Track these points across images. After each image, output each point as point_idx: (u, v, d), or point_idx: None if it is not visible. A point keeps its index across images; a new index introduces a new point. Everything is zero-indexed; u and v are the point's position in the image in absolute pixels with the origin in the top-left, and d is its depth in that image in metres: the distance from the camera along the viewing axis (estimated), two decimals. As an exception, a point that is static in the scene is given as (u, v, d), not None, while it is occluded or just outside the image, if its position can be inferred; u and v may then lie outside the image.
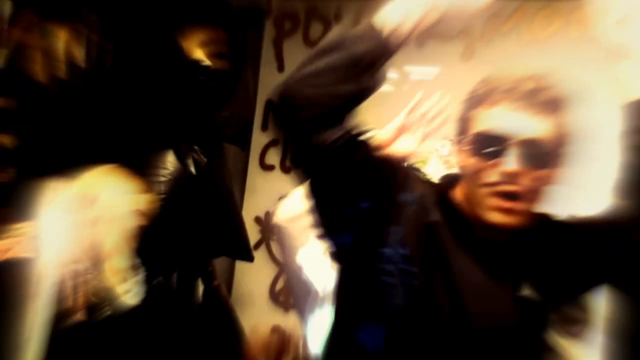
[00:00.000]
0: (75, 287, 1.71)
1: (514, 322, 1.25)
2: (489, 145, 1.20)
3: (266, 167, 3.32)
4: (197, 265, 2.64)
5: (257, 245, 3.19)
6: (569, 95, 1.23)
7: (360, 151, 1.26)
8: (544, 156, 1.19)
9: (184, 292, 2.55)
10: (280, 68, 3.37)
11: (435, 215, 1.28)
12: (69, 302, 1.69)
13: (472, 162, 1.24)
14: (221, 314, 2.67)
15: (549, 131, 1.19)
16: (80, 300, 1.72)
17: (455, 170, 1.34)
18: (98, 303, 1.78)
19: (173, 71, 2.48)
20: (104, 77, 2.43)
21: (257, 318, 3.12)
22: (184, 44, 2.51)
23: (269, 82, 3.38)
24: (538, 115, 1.18)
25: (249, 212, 3.19)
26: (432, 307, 1.23)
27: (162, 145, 2.48)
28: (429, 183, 1.36)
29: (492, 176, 1.20)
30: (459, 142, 1.29)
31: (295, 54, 3.35)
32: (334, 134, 1.21)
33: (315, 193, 1.29)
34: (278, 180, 3.27)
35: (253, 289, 3.20)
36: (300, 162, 1.30)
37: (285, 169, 3.27)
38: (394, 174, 1.32)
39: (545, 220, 1.31)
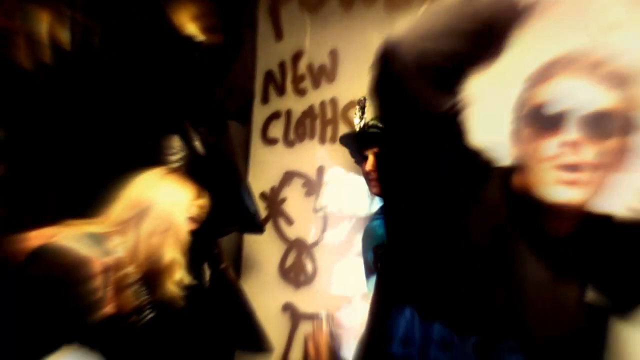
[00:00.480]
0: (106, 280, 1.70)
1: (577, 328, 1.17)
2: (548, 115, 1.11)
3: (269, 141, 3.20)
4: (206, 245, 2.58)
5: (264, 222, 3.10)
6: (635, 70, 1.13)
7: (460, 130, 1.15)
8: (608, 127, 1.10)
9: (193, 276, 2.49)
10: (278, 36, 3.22)
11: (502, 209, 1.19)
12: (99, 294, 1.68)
13: (530, 138, 1.14)
14: (230, 297, 2.61)
15: (613, 103, 1.10)
16: (110, 294, 1.72)
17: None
18: (141, 307, 1.82)
19: (165, 49, 2.36)
20: (92, 59, 2.32)
21: (268, 296, 3.06)
22: (175, 19, 2.39)
23: (267, 51, 3.24)
24: (601, 85, 1.10)
25: (254, 189, 3.09)
26: (488, 304, 1.15)
27: (165, 130, 2.40)
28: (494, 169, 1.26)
29: (553, 148, 1.10)
30: (516, 124, 1.20)
31: (293, 21, 3.20)
32: (442, 102, 1.09)
33: (394, 165, 1.18)
34: (282, 154, 3.17)
35: (262, 266, 3.13)
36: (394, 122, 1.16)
37: (288, 142, 3.16)
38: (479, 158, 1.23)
39: (609, 219, 1.23)
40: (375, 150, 2.14)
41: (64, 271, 1.65)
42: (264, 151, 3.20)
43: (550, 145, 1.10)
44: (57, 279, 1.65)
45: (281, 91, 3.21)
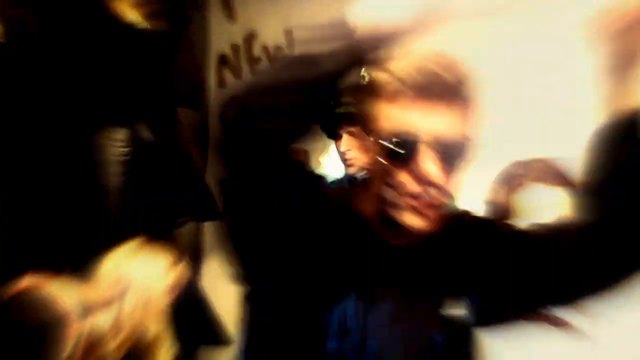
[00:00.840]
0: (77, 346, 1.67)
1: (433, 350, 1.13)
2: (398, 146, 1.08)
3: (226, 127, 3.12)
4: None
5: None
6: (470, 79, 1.11)
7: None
8: (454, 151, 1.09)
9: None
10: (231, 17, 3.12)
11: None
12: (66, 354, 1.65)
13: (379, 162, 1.12)
14: (186, 292, 2.56)
15: (456, 124, 1.09)
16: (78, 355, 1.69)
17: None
18: None
19: (105, 39, 2.26)
20: (29, 51, 2.22)
21: (230, 292, 3.00)
22: (114, 6, 2.29)
23: (220, 33, 3.14)
24: (442, 108, 1.07)
25: (216, 176, 3.02)
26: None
27: (109, 122, 2.32)
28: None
29: (402, 177, 1.10)
30: (365, 138, 1.18)
31: (245, 1, 3.10)
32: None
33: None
34: (240, 139, 3.09)
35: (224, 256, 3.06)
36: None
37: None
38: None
39: (463, 218, 1.22)
40: (349, 129, 2.08)
41: (37, 320, 1.62)
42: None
43: (401, 175, 1.09)
44: (29, 327, 1.62)
45: (237, 74, 3.12)
